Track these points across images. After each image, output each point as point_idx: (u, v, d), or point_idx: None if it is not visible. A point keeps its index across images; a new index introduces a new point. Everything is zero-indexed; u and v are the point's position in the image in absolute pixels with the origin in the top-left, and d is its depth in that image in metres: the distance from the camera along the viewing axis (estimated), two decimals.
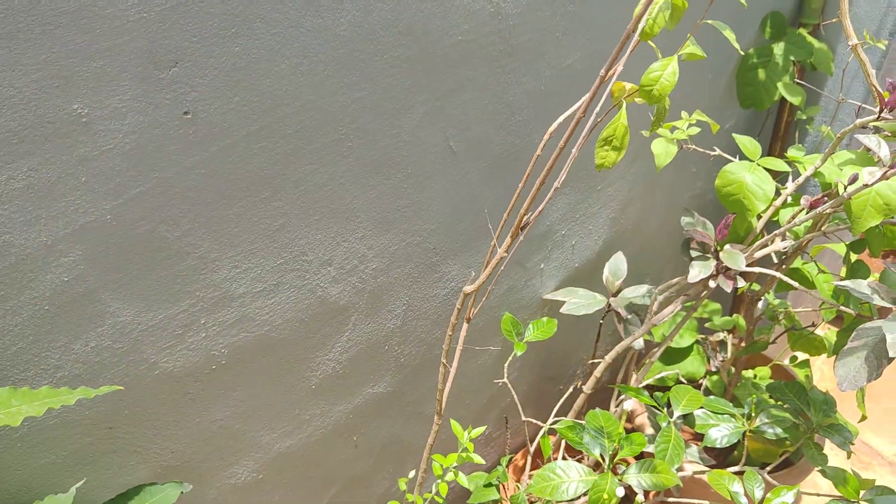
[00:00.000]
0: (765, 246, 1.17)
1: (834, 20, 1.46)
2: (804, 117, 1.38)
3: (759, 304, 1.44)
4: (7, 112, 0.60)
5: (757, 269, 1.19)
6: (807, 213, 1.09)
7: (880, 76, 1.50)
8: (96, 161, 0.67)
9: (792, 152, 1.19)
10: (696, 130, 1.13)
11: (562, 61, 1.07)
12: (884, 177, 0.89)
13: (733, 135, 1.17)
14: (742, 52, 1.42)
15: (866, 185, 0.96)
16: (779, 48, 1.42)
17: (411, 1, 0.83)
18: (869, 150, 0.94)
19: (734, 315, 1.64)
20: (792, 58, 1.41)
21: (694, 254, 1.21)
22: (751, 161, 1.14)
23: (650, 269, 1.66)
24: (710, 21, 0.82)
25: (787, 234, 1.18)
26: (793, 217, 1.13)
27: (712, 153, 1.19)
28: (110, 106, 0.66)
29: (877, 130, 1.04)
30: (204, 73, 0.71)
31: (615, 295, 1.33)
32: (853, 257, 1.20)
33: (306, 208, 0.87)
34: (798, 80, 1.47)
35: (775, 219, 1.19)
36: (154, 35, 0.66)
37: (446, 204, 1.05)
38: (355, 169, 0.90)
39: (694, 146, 1.17)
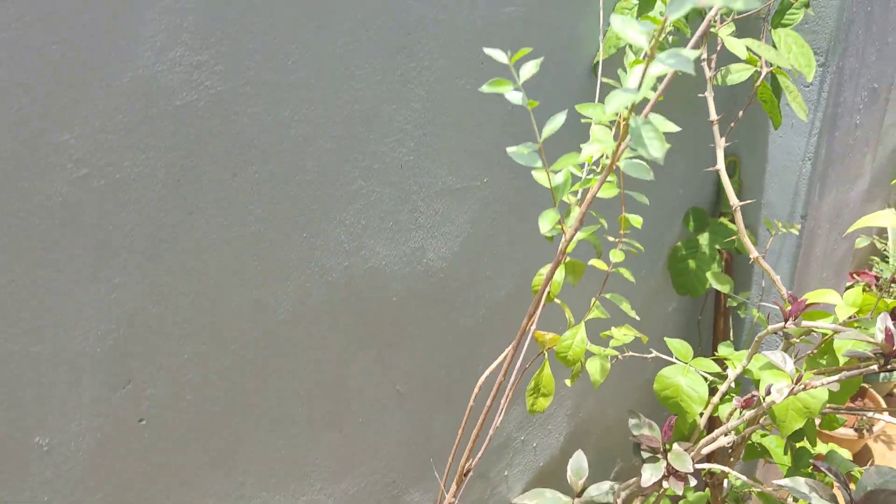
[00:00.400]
0: (711, 442, 1.23)
1: (752, 201, 1.58)
2: (735, 304, 1.47)
3: (725, 485, 1.48)
4: None
5: (706, 466, 1.24)
6: (741, 412, 1.15)
7: (803, 248, 1.61)
8: (59, 482, 0.73)
9: (722, 350, 1.27)
10: (629, 339, 1.21)
11: (495, 295, 1.16)
12: (791, 392, 0.97)
13: (665, 339, 1.26)
14: (671, 247, 1.53)
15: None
16: (704, 238, 1.54)
17: (345, 278, 0.92)
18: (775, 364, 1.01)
19: (707, 491, 1.67)
20: (717, 246, 1.52)
21: (645, 455, 1.26)
22: (684, 364, 1.22)
23: (618, 456, 1.70)
24: (607, 295, 0.91)
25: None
26: (729, 415, 1.20)
27: (649, 356, 1.27)
28: (69, 431, 0.73)
29: (786, 336, 1.12)
30: (156, 383, 0.78)
31: (580, 495, 1.37)
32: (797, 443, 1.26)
33: (263, 475, 0.93)
34: (730, 264, 1.58)
35: (716, 414, 1.26)
36: (107, 364, 0.73)
37: (400, 440, 1.10)
38: (307, 430, 0.96)
39: (631, 352, 1.24)
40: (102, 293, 0.70)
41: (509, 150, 0.63)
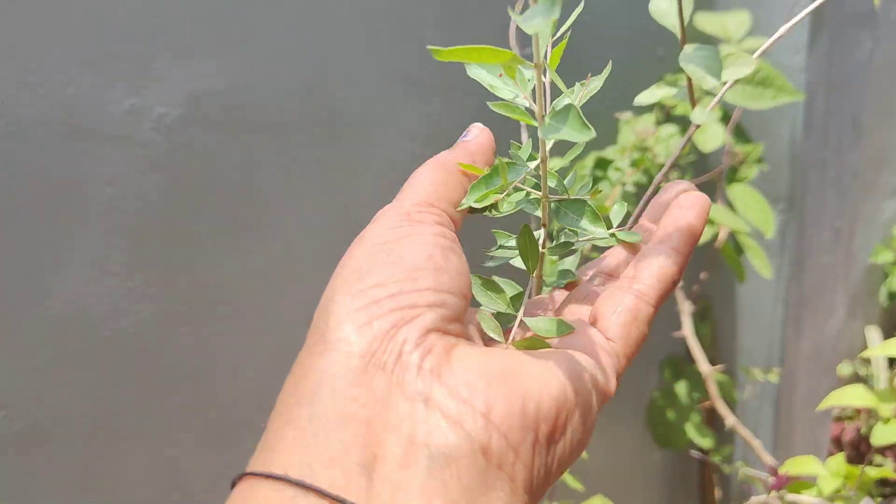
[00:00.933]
0: None
1: (720, 367, 1.56)
2: (717, 459, 1.42)
3: None
4: None
5: None
6: None
7: (784, 390, 1.58)
8: None
9: None
10: None
11: None
12: None
13: None
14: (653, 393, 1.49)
15: None
16: (680, 387, 1.50)
17: None
18: None
19: None
20: (695, 394, 1.48)
21: None
22: None
23: None
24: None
25: None
26: None
27: None
28: None
29: None
30: None
31: None
32: None
33: None
34: (713, 411, 1.53)
35: None
36: None
37: None
38: None
39: None
40: None
41: None
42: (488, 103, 0.34)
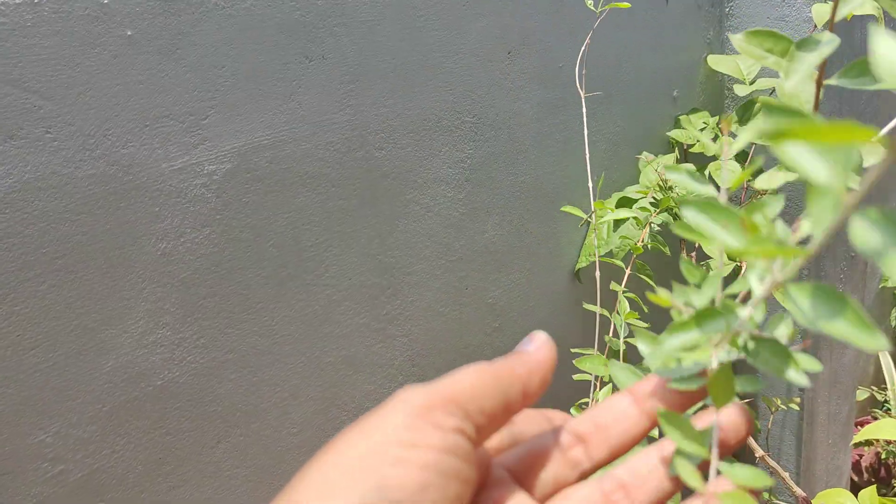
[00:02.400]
0: None
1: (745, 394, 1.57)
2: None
3: None
4: None
5: None
6: None
7: (805, 418, 1.58)
8: None
9: None
10: None
11: None
12: None
13: None
14: None
15: None
16: None
17: None
18: None
19: None
20: None
21: None
22: None
23: None
24: None
25: None
26: None
27: None
28: None
29: None
30: None
31: None
32: None
33: None
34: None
35: None
36: None
37: None
38: None
39: None
40: None
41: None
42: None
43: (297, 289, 0.78)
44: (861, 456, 2.24)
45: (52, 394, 0.62)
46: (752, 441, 1.14)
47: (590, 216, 1.02)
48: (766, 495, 1.38)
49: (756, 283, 0.29)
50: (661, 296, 0.30)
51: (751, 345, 0.30)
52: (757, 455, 1.14)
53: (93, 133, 0.62)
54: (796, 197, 1.35)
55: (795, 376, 0.29)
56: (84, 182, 0.62)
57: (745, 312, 0.29)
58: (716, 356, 0.29)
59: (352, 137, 0.80)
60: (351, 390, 0.86)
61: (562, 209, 1.04)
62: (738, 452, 1.53)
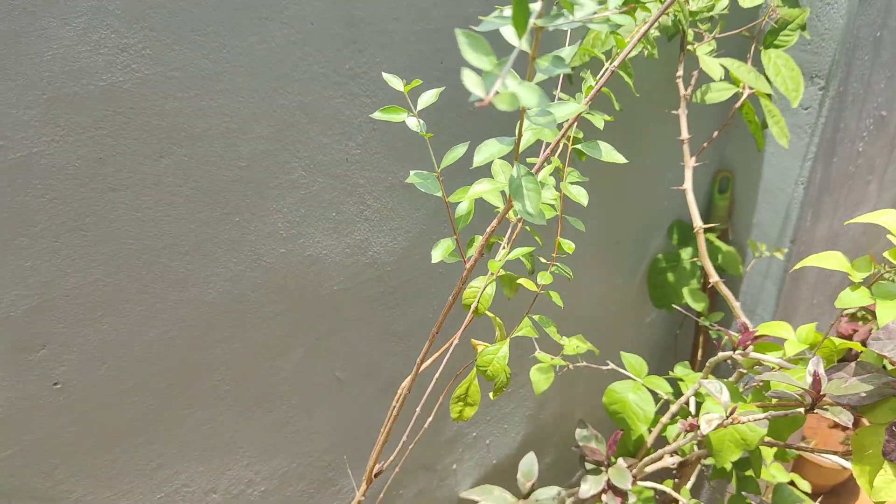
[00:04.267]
0: (655, 461, 1.22)
1: (723, 226, 1.55)
2: (707, 323, 1.45)
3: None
4: None
5: (649, 484, 1.24)
6: (685, 435, 1.14)
7: (790, 272, 1.58)
8: None
9: (678, 370, 1.25)
10: (584, 349, 1.20)
11: (445, 294, 1.16)
12: (721, 425, 0.95)
13: (621, 353, 1.24)
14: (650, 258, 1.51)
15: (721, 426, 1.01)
16: (686, 253, 1.51)
17: (282, 265, 0.93)
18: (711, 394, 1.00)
19: None
20: (696, 259, 1.50)
21: (588, 467, 1.26)
22: (636, 380, 1.21)
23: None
24: (535, 316, 0.90)
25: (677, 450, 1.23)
26: (676, 437, 1.19)
27: (604, 368, 1.26)
28: None
29: (734, 365, 1.11)
30: (72, 350, 0.80)
31: (526, 496, 1.38)
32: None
33: (185, 446, 0.95)
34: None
35: (665, 433, 1.24)
36: (21, 328, 0.76)
37: (338, 426, 1.12)
38: (234, 408, 0.98)
39: (586, 363, 1.24)
40: (12, 263, 0.72)
41: (409, 178, 0.64)
42: None
43: (251, 21, 0.78)
44: (855, 331, 2.23)
45: None
46: (709, 266, 1.15)
47: None
48: (718, 314, 1.40)
49: None
50: None
51: None
52: (711, 279, 1.15)
53: None
54: None
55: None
56: None
57: None
58: None
59: None
60: (304, 138, 0.88)
61: None
62: (707, 287, 1.54)
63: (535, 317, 0.87)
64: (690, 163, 1.12)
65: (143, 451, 0.92)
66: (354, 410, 1.13)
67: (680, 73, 1.10)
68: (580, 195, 0.78)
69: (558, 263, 0.88)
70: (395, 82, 0.62)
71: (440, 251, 0.67)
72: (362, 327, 1.07)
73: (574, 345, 1.18)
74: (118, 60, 0.71)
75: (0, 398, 0.77)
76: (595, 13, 0.41)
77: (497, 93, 0.33)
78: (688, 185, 1.12)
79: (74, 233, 0.75)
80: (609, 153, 0.72)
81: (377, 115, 0.61)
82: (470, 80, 0.33)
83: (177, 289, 0.86)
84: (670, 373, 1.26)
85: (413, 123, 0.62)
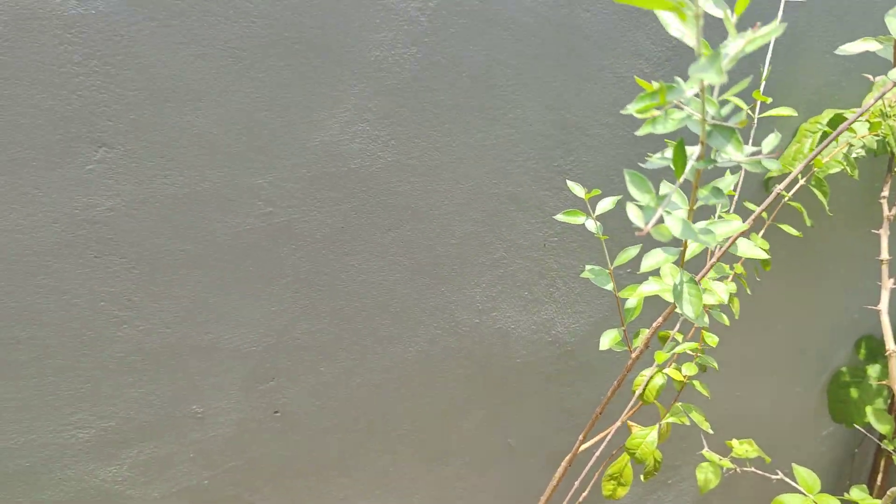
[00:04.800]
0: None
1: None
2: (891, 448, 1.38)
3: None
4: (145, 410, 0.86)
5: None
6: None
7: None
8: (203, 443, 0.91)
9: (854, 493, 1.21)
10: (753, 454, 1.20)
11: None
12: None
13: (793, 465, 1.22)
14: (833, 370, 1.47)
15: None
16: (873, 370, 1.46)
17: (474, 334, 1.03)
18: None
19: None
20: (886, 382, 1.44)
21: None
22: (806, 496, 1.18)
23: None
24: (678, 404, 0.93)
25: None
26: None
27: (774, 477, 1.24)
28: (219, 407, 0.90)
29: None
30: (294, 385, 0.94)
31: None
32: None
33: (368, 486, 1.06)
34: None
35: None
36: (258, 362, 0.90)
37: (503, 489, 1.19)
38: (416, 456, 1.08)
39: (754, 468, 1.23)
40: (264, 307, 0.87)
41: (583, 272, 0.71)
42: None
43: (480, 121, 0.90)
44: None
45: (274, 148, 0.80)
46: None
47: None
48: None
49: None
50: None
51: (709, 129, 0.41)
52: None
53: None
54: None
55: (732, 151, 0.41)
56: None
57: None
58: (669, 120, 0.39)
59: None
60: (509, 224, 0.98)
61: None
62: (893, 409, 1.47)
63: (680, 404, 0.91)
64: (888, 284, 1.10)
65: (334, 484, 1.03)
66: (520, 476, 1.19)
67: (885, 193, 1.10)
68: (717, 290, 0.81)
69: (705, 354, 0.91)
70: (577, 189, 0.71)
71: (608, 339, 0.74)
72: (538, 400, 1.14)
73: (744, 448, 1.18)
74: (368, 148, 0.85)
75: (233, 418, 0.92)
76: (749, 156, 0.47)
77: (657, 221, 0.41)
78: (883, 306, 1.10)
79: (312, 287, 0.89)
80: (749, 249, 0.75)
81: (560, 216, 0.70)
82: (632, 213, 0.41)
83: (384, 343, 0.97)
84: (846, 494, 1.22)
85: (592, 226, 0.69)
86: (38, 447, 0.82)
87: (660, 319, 0.69)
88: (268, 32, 0.75)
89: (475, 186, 0.94)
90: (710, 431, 0.92)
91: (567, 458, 0.92)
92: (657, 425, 0.90)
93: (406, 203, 0.90)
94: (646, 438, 0.88)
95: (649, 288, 0.59)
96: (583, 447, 0.95)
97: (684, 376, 0.89)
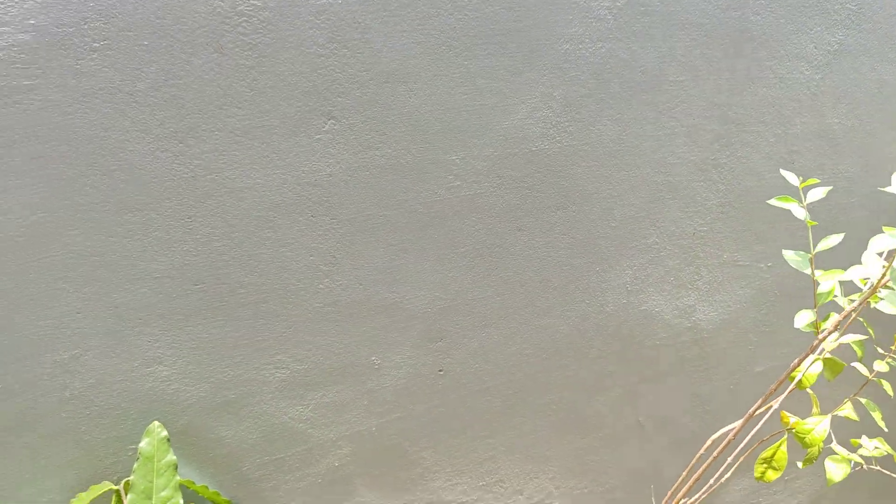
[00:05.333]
0: None
1: None
2: None
3: None
4: (332, 357, 0.96)
5: None
6: None
7: None
8: (376, 393, 1.01)
9: None
10: (880, 453, 1.22)
11: (753, 367, 1.26)
12: None
13: None
14: None
15: None
16: None
17: (621, 313, 1.10)
18: None
19: None
20: None
21: None
22: None
23: None
24: (862, 400, 0.97)
25: None
26: None
27: None
28: (394, 361, 1.00)
29: None
30: (459, 347, 1.03)
31: None
32: None
33: (512, 448, 1.14)
34: None
35: None
36: (431, 323, 0.99)
37: (631, 466, 1.25)
38: (557, 426, 1.15)
39: (880, 467, 1.26)
40: (443, 272, 0.96)
41: (785, 253, 0.77)
42: None
43: (650, 112, 0.97)
44: None
45: (468, 129, 0.89)
46: None
47: None
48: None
49: None
50: None
51: None
52: None
53: None
54: None
55: None
56: None
57: None
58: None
59: None
60: (664, 211, 1.05)
61: None
62: None
63: (863, 400, 0.95)
64: None
65: (483, 444, 1.12)
66: (647, 455, 1.26)
67: None
68: None
69: (893, 355, 0.95)
70: (791, 178, 0.76)
71: (802, 320, 0.79)
72: (670, 381, 1.20)
73: (874, 446, 1.21)
74: (549, 133, 0.93)
75: (404, 372, 1.01)
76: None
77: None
78: None
79: (485, 257, 0.98)
80: None
81: (773, 201, 0.76)
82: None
83: (540, 315, 1.06)
84: None
85: (801, 214, 0.75)
86: (244, 382, 0.94)
87: (856, 303, 0.75)
88: (476, 25, 0.85)
89: (637, 174, 1.01)
90: (886, 429, 0.97)
91: (735, 427, 0.98)
92: (828, 415, 0.94)
93: (575, 185, 0.98)
94: (817, 425, 0.93)
95: (857, 272, 0.65)
96: (730, 431, 1.00)
97: (873, 372, 0.94)
